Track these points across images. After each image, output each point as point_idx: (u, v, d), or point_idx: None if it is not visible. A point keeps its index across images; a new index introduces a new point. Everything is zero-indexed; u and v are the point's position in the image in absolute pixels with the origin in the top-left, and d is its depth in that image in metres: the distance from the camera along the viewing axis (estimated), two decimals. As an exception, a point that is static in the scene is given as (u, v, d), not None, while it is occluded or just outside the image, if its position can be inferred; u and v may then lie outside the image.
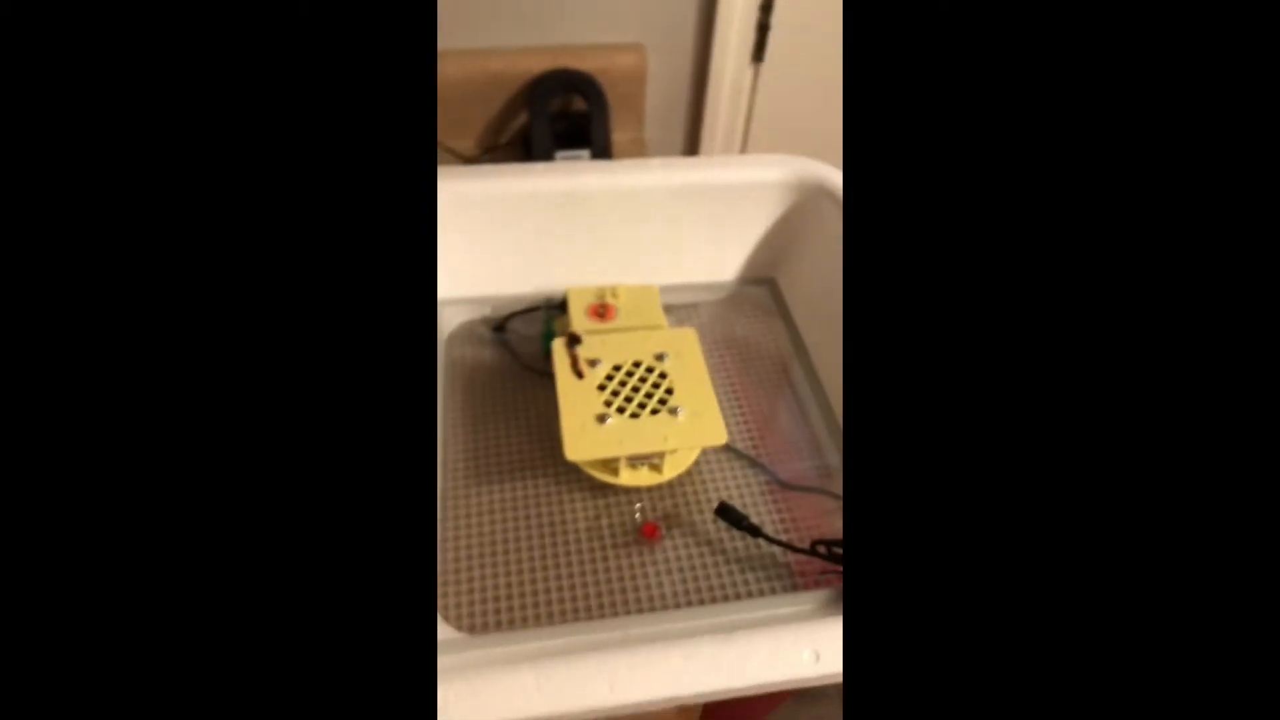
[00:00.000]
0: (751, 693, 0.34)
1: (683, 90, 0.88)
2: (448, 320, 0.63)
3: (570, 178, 0.61)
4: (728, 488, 0.52)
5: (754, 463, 0.54)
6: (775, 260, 0.66)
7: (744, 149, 0.95)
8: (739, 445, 0.55)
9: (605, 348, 0.53)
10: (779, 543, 0.48)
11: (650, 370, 0.52)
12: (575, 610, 0.45)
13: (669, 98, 0.88)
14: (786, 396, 0.59)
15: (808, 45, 0.86)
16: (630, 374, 0.52)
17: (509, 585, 0.46)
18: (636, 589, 0.47)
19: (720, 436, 0.49)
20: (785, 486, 0.53)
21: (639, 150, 0.86)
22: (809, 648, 0.34)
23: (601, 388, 0.51)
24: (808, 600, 0.46)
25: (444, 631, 0.43)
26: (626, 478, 0.50)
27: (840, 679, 0.35)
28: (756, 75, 0.87)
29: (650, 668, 0.33)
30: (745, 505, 0.51)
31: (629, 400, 0.50)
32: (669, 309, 0.65)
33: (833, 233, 0.60)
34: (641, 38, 0.83)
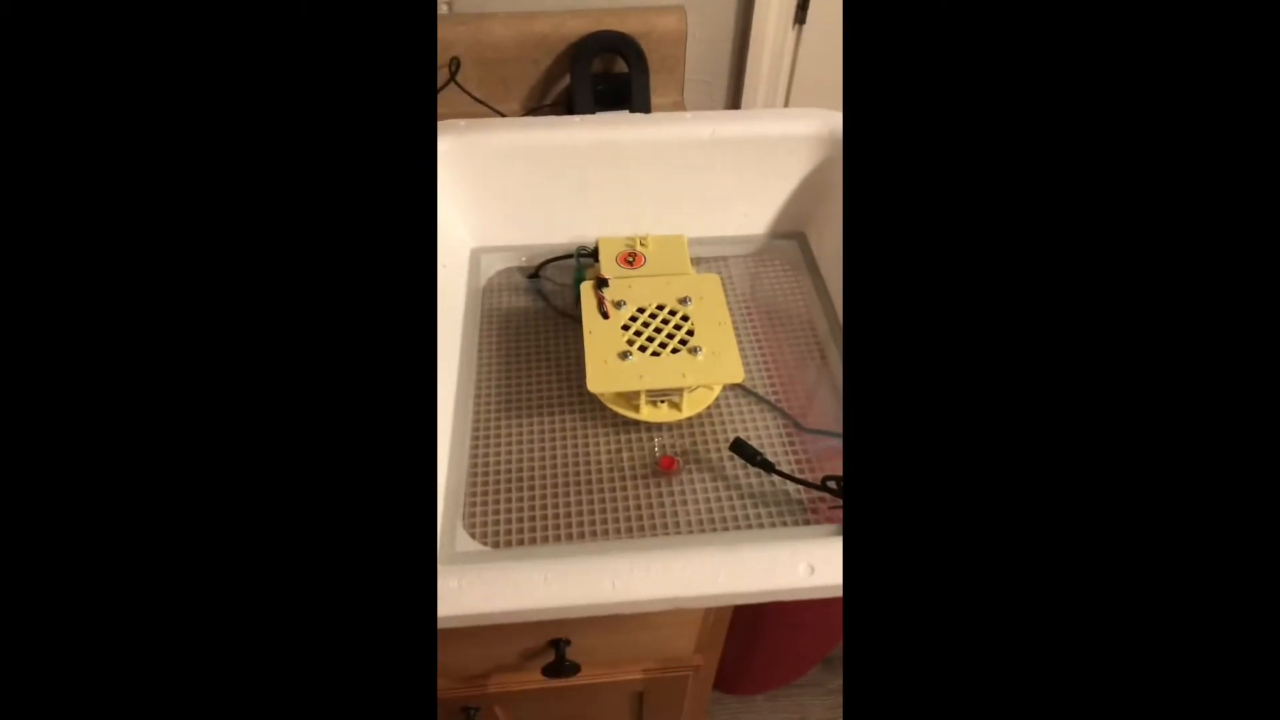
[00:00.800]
0: (748, 600, 0.36)
1: (724, 54, 0.89)
2: (485, 268, 0.65)
3: (604, 129, 0.63)
4: (745, 428, 0.54)
5: (773, 406, 0.55)
6: (806, 214, 0.67)
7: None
8: (760, 390, 0.56)
9: (631, 291, 0.55)
10: (790, 477, 0.49)
11: (673, 313, 0.54)
12: (594, 532, 0.48)
13: (710, 61, 0.89)
14: (811, 348, 0.60)
15: (851, 7, 0.86)
16: (654, 315, 0.54)
17: (532, 508, 0.49)
18: (652, 516, 0.49)
19: (737, 375, 0.50)
20: (802, 429, 0.54)
21: (679, 113, 0.87)
22: (805, 562, 0.36)
23: (625, 327, 0.53)
24: (817, 533, 0.47)
25: (468, 545, 0.46)
26: (647, 414, 0.52)
27: (836, 593, 0.36)
28: (799, 39, 0.87)
29: (651, 571, 0.35)
30: (762, 445, 0.53)
31: (651, 340, 0.52)
32: (700, 262, 0.67)
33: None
34: (683, 0, 0.84)
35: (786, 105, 0.95)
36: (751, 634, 0.97)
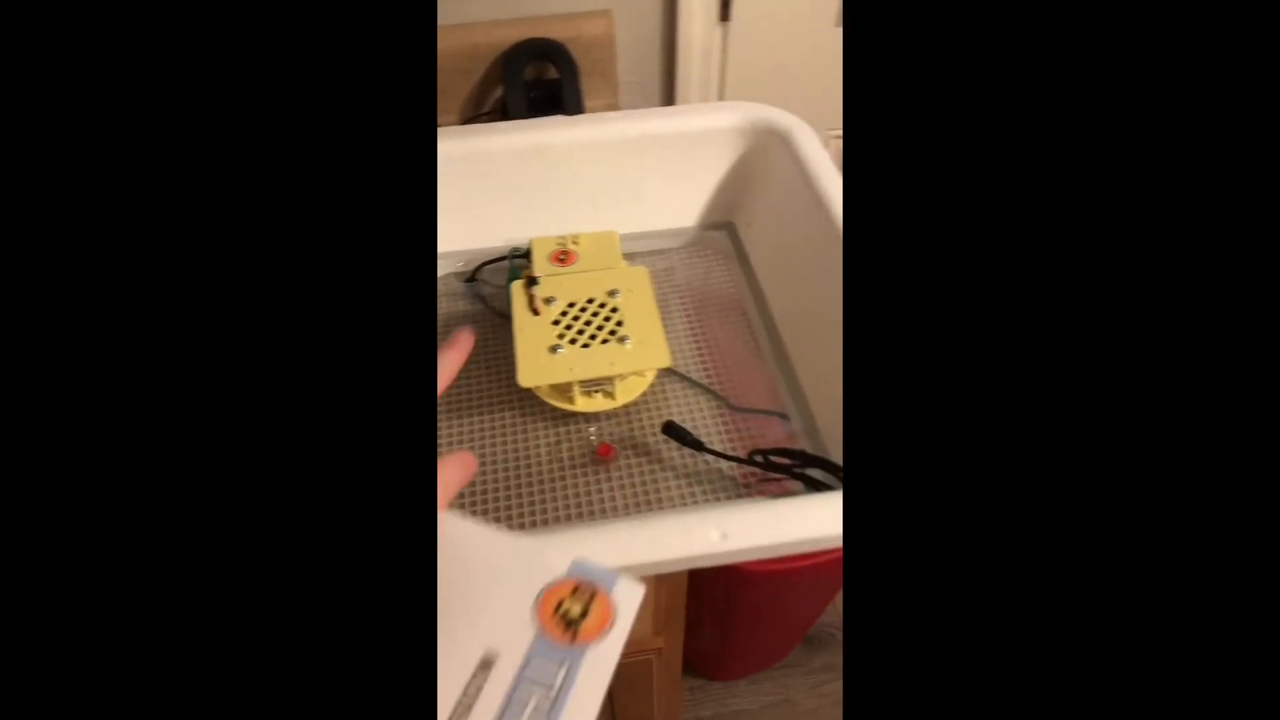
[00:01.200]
0: (665, 569, 0.38)
1: (654, 54, 0.91)
2: (425, 276, 0.67)
3: (535, 133, 0.65)
4: (680, 412, 0.56)
5: (706, 389, 0.57)
6: (733, 204, 0.69)
7: (720, 108, 0.97)
8: (693, 375, 0.58)
9: (561, 287, 0.57)
10: (719, 454, 0.51)
11: (603, 305, 0.56)
12: (534, 522, 0.49)
13: (640, 63, 0.91)
14: (742, 333, 0.62)
15: (774, 3, 0.88)
16: (584, 310, 0.56)
17: (474, 505, 0.50)
18: (591, 503, 0.51)
19: (664, 360, 0.52)
20: (735, 409, 0.56)
21: (614, 114, 0.89)
22: (717, 528, 0.38)
23: (556, 323, 0.55)
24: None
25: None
26: (582, 404, 0.54)
27: (749, 557, 0.38)
28: (725, 36, 0.90)
29: (569, 545, 0.37)
30: (695, 427, 0.55)
31: (581, 333, 0.54)
32: (633, 256, 0.69)
33: (783, 174, 0.63)
34: (609, 3, 0.86)
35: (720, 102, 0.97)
36: (726, 616, 0.99)
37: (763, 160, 0.66)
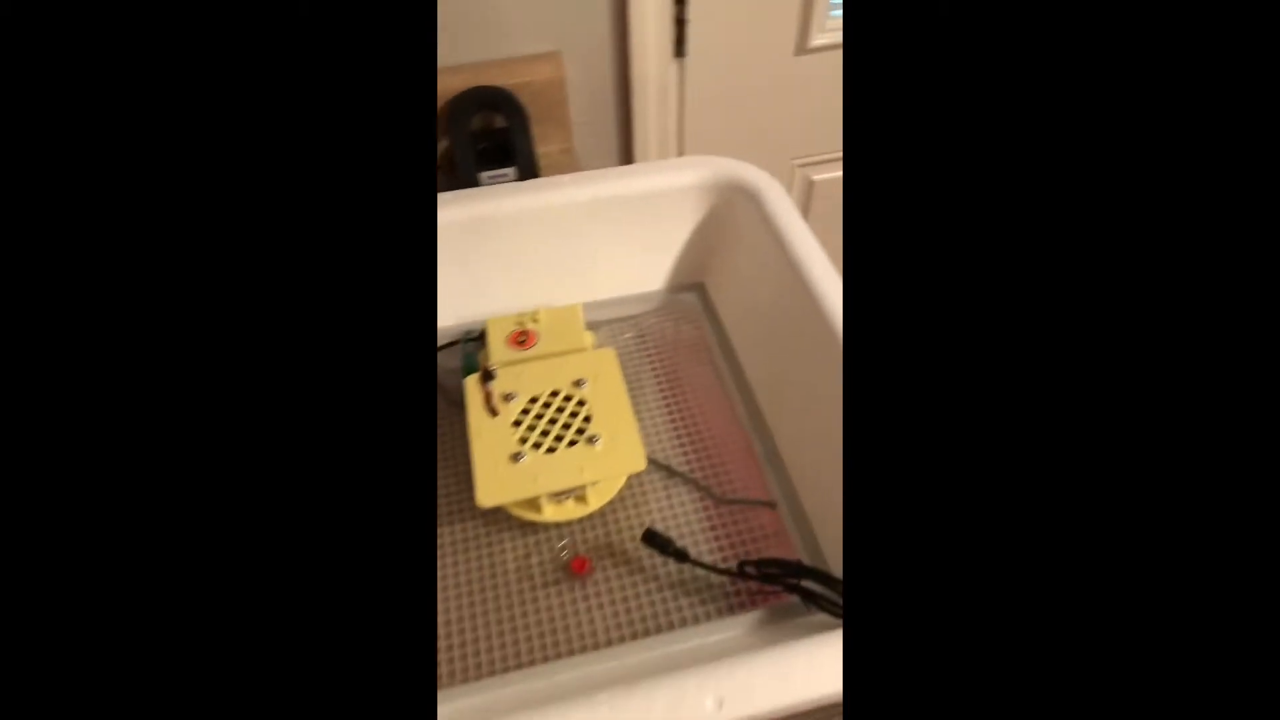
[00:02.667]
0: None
1: (608, 94, 0.86)
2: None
3: (482, 203, 0.60)
4: (659, 509, 0.51)
5: (687, 479, 0.52)
6: (702, 264, 0.65)
7: (680, 149, 0.93)
8: (672, 461, 0.53)
9: (521, 380, 0.52)
10: (706, 566, 0.46)
11: (568, 399, 0.51)
12: (505, 660, 0.44)
13: (594, 103, 0.86)
14: (721, 406, 0.58)
15: (729, 36, 0.83)
16: (548, 405, 0.50)
17: (439, 639, 0.45)
18: (568, 628, 0.45)
19: (639, 463, 0.47)
20: (719, 501, 0.51)
21: (569, 161, 0.84)
22: (712, 694, 0.33)
23: (517, 423, 0.49)
24: (739, 625, 0.44)
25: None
26: (551, 513, 0.49)
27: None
28: (682, 72, 0.85)
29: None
30: (679, 525, 0.50)
31: (545, 434, 0.49)
32: (599, 325, 0.64)
33: (753, 232, 0.58)
34: (557, 45, 0.81)
35: (680, 139, 0.93)
36: None
37: (731, 218, 0.61)
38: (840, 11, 0.88)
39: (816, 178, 1.04)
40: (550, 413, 0.50)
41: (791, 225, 0.55)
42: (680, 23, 0.80)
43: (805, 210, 1.08)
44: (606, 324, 0.64)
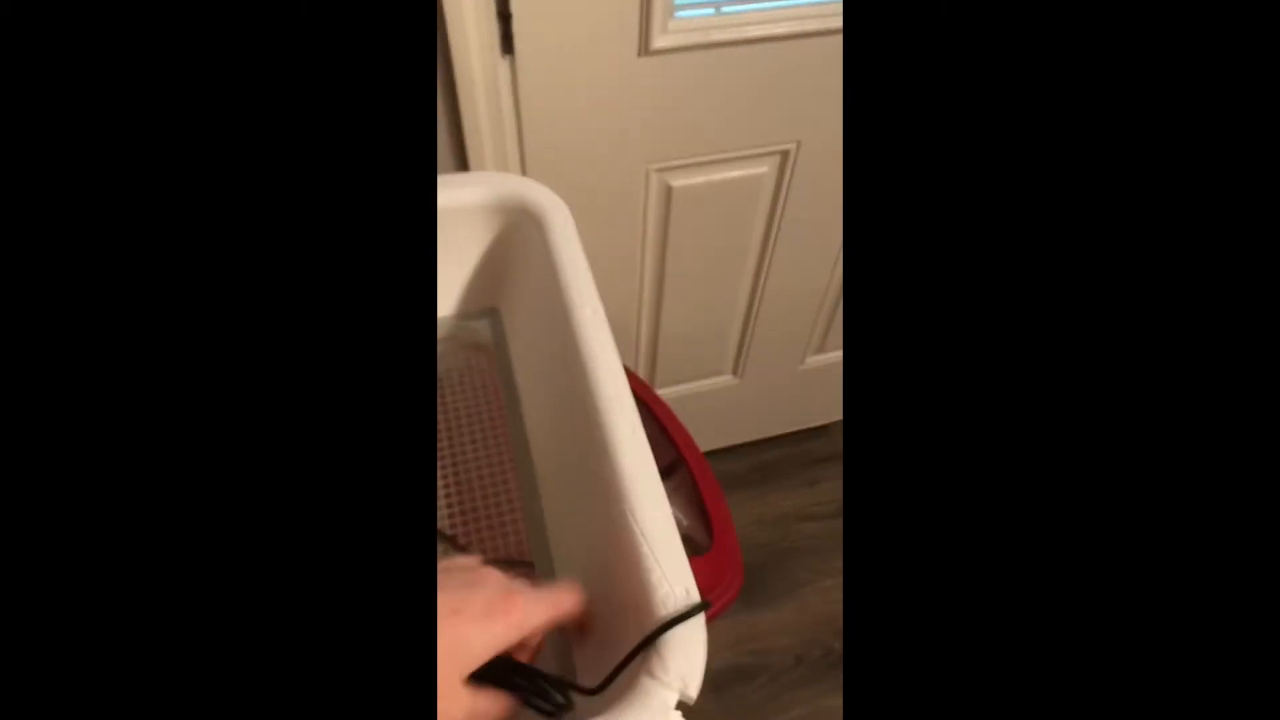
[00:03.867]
0: None
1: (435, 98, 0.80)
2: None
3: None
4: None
5: (445, 537, 0.48)
6: (494, 289, 0.60)
7: (522, 156, 0.87)
8: (440, 515, 0.49)
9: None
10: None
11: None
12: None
13: (417, 103, 0.80)
14: (502, 454, 0.53)
15: (561, 33, 0.78)
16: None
17: None
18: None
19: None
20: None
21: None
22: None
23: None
24: None
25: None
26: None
27: None
28: (514, 71, 0.80)
29: None
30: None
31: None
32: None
33: (538, 256, 0.53)
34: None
35: (521, 148, 0.87)
36: None
37: (521, 243, 0.56)
38: (685, 14, 0.83)
39: (675, 184, 1.00)
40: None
41: (569, 268, 0.49)
42: (505, 17, 0.75)
43: (665, 218, 1.04)
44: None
